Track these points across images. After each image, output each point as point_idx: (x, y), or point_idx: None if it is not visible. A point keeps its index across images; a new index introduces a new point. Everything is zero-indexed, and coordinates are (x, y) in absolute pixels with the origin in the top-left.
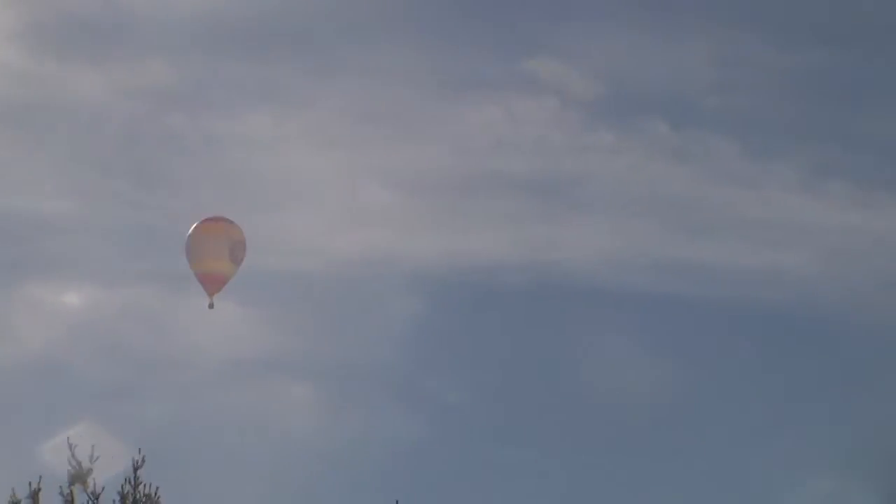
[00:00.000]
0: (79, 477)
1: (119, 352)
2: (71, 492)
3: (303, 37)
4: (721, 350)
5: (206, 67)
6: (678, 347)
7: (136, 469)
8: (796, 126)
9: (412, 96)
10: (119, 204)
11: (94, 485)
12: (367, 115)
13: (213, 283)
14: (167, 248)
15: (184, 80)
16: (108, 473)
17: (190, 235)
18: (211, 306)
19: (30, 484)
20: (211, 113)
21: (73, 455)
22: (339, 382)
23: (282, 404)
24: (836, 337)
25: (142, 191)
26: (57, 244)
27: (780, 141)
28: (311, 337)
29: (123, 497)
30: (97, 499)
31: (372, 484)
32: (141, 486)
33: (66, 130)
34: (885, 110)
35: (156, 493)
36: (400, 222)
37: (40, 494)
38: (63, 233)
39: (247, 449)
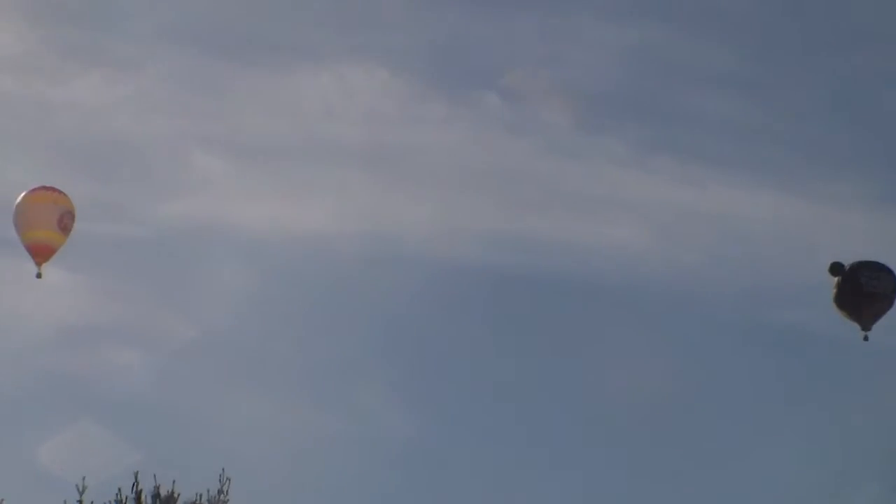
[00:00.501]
0: None
1: None
2: None
3: (132, 1)
4: (548, 323)
5: (35, 32)
6: (507, 319)
7: None
8: (627, 101)
9: (244, 64)
10: None
11: None
12: (197, 81)
13: (41, 253)
14: None
15: (13, 44)
16: None
17: (17, 205)
18: (39, 276)
19: None
20: (39, 77)
21: None
22: (170, 351)
23: (110, 372)
24: (663, 311)
25: None
26: None
27: (611, 116)
28: (142, 305)
29: None
30: None
31: (198, 453)
32: None
33: None
34: (713, 87)
35: None
36: (230, 190)
37: None
38: None
39: (73, 418)
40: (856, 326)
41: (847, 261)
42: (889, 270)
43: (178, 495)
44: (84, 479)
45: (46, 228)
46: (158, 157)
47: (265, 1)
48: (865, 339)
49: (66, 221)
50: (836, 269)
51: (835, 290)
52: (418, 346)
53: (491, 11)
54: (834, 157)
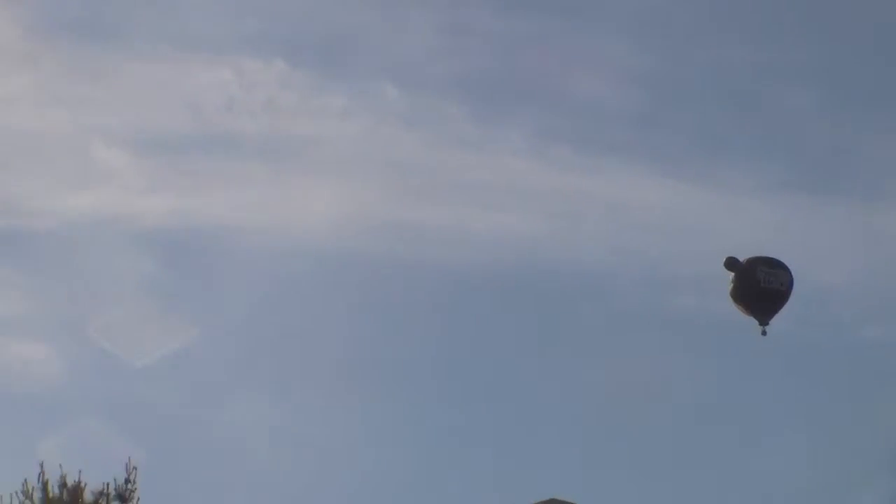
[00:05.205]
0: None
1: None
2: None
3: None
4: (446, 313)
5: None
6: (405, 311)
7: None
8: (522, 92)
9: (142, 57)
10: None
11: None
12: (94, 74)
13: None
14: None
15: None
16: None
17: None
18: None
19: None
20: None
21: None
22: (75, 345)
23: (17, 366)
24: (560, 300)
25: None
26: None
27: (507, 106)
28: (45, 298)
29: None
30: None
31: (110, 441)
32: None
33: None
34: (607, 76)
35: None
36: (131, 182)
37: None
38: None
39: None
40: (753, 321)
41: (743, 252)
42: (785, 267)
43: (85, 485)
44: None
45: None
46: (58, 150)
47: None
48: (764, 333)
49: None
50: (731, 264)
51: (731, 286)
52: (312, 337)
53: (387, 6)
54: (730, 146)
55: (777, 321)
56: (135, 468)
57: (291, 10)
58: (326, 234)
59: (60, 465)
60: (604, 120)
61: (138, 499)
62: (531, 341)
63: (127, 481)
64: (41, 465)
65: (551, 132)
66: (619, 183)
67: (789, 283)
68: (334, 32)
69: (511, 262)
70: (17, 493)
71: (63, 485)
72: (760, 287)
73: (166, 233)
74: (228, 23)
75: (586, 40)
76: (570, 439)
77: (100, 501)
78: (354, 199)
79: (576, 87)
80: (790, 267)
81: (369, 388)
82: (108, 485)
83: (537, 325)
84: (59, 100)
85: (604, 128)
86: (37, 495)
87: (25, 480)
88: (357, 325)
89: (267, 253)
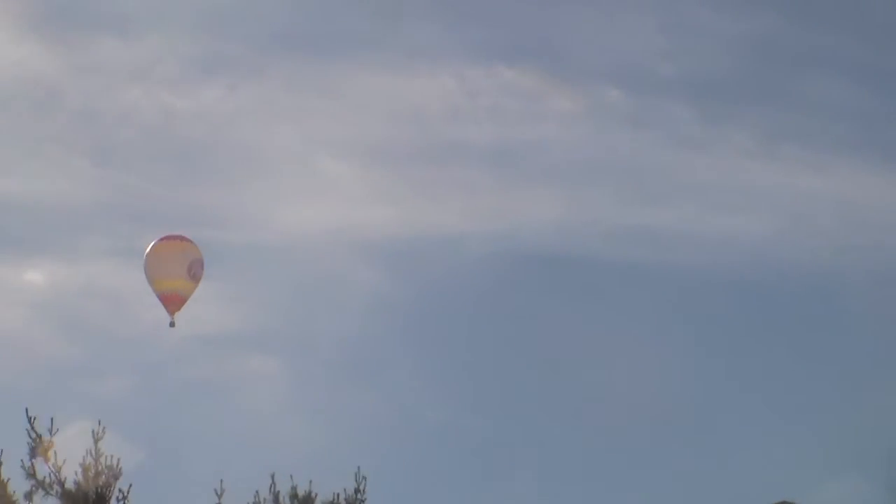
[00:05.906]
0: (39, 450)
1: (81, 329)
2: (32, 465)
3: (251, 9)
4: (677, 316)
5: (158, 43)
6: (635, 314)
7: (96, 441)
8: (749, 91)
9: (362, 67)
10: (78, 181)
11: (56, 457)
12: (319, 86)
13: (173, 303)
14: (127, 224)
15: (137, 55)
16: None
17: (147, 255)
18: (173, 325)
19: None
20: (164, 88)
21: (32, 428)
22: (303, 357)
23: (247, 379)
24: (791, 301)
25: (99, 167)
26: (17, 222)
27: (734, 106)
28: (273, 311)
29: (85, 469)
30: (59, 471)
31: (338, 458)
32: (103, 458)
33: (22, 108)
34: (835, 74)
35: (117, 465)
36: (357, 193)
37: (1, 468)
38: (23, 211)
39: (212, 424)
40: None
41: None
42: None
43: (316, 495)
44: (221, 482)
45: (177, 278)
46: (284, 162)
47: (378, 3)
48: None
49: (195, 269)
50: None
51: None
52: (548, 342)
53: (611, 8)
54: None
55: None
56: (364, 478)
57: (513, 16)
58: (553, 238)
59: (291, 476)
60: (832, 117)
61: None
62: (763, 341)
63: (356, 491)
64: (272, 477)
65: (779, 131)
66: (848, 180)
67: None
68: (556, 36)
69: (741, 263)
70: None
71: (294, 495)
72: None
73: (392, 242)
74: (450, 31)
75: (812, 37)
76: (803, 440)
77: None
78: (580, 203)
79: (803, 84)
80: None
81: (603, 388)
82: (338, 495)
83: (768, 325)
84: (284, 113)
85: (832, 125)
86: None
87: (257, 492)
88: (586, 330)
89: (495, 260)
